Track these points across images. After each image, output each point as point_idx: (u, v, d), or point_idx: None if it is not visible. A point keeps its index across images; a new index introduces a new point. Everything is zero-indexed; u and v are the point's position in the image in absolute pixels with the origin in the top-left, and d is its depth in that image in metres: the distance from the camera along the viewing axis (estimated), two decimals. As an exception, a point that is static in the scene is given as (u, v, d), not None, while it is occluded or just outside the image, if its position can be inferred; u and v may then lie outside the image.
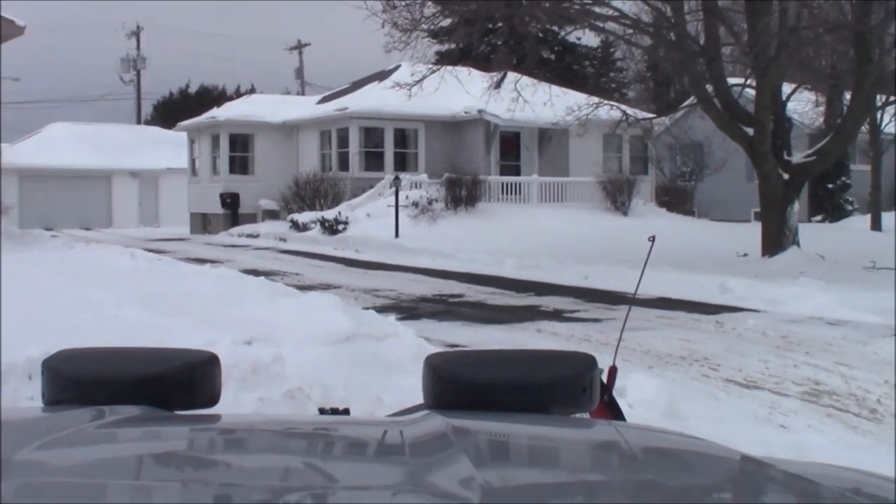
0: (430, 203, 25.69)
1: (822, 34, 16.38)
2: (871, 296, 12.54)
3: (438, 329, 9.76)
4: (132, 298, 9.12)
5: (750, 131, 16.59)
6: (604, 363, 1.92)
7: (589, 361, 1.70)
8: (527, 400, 1.63)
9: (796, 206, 17.30)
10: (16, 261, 13.05)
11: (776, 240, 16.91)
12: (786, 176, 16.91)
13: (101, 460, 1.27)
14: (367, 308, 10.24)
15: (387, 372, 6.43)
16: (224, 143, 31.91)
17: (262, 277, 12.05)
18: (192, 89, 58.76)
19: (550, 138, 29.06)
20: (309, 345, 7.07)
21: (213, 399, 1.65)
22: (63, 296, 9.40)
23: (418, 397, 5.54)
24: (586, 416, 1.79)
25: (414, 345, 7.41)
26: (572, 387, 1.66)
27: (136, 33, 55.21)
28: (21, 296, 9.10)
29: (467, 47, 16.84)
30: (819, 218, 31.83)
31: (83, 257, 14.42)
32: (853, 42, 16.43)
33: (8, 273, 11.31)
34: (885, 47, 16.81)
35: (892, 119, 28.35)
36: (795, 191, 17.20)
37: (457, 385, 1.65)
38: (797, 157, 17.68)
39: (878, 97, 26.06)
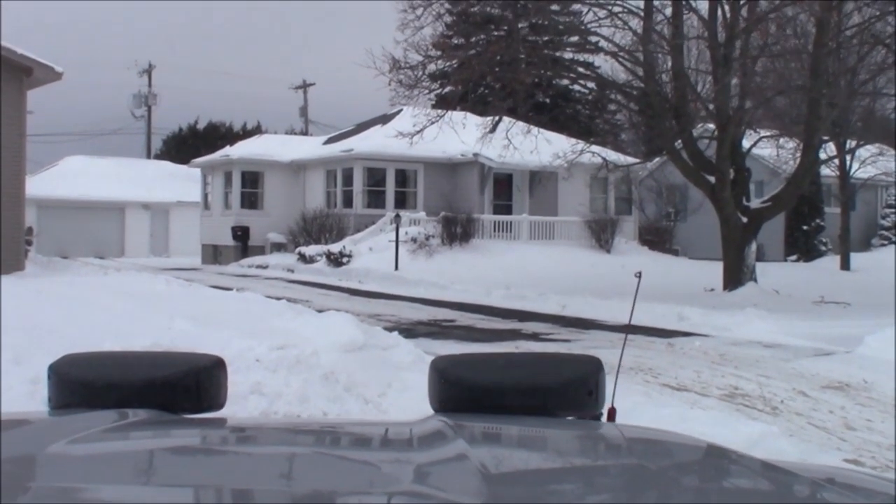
0: (427, 239, 26.48)
1: (772, 97, 17.97)
2: (808, 324, 14.13)
3: (432, 345, 11.07)
4: (177, 314, 10.40)
5: (712, 179, 17.91)
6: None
7: (595, 364, 1.67)
8: (533, 403, 1.60)
9: (753, 246, 18.50)
10: (65, 282, 14.66)
11: (736, 276, 18.14)
12: (744, 219, 18.11)
13: (113, 464, 1.25)
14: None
15: (392, 370, 8.15)
16: (236, 180, 32.87)
17: (284, 300, 13.33)
18: (201, 125, 59.36)
19: (540, 180, 30.06)
20: (331, 351, 8.72)
21: (219, 403, 1.64)
22: (118, 311, 10.80)
23: (415, 386, 8.08)
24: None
25: (413, 353, 9.05)
26: (578, 390, 1.63)
27: (148, 71, 55.99)
28: (81, 311, 10.52)
29: (465, 90, 18.34)
30: (794, 258, 32.69)
31: (122, 281, 15.57)
32: (805, 101, 17.96)
33: (62, 293, 12.97)
34: (836, 102, 18.07)
35: (860, 166, 29.90)
36: (753, 233, 18.39)
37: (463, 388, 1.62)
38: (755, 202, 18.91)
39: (846, 143, 27.71)
